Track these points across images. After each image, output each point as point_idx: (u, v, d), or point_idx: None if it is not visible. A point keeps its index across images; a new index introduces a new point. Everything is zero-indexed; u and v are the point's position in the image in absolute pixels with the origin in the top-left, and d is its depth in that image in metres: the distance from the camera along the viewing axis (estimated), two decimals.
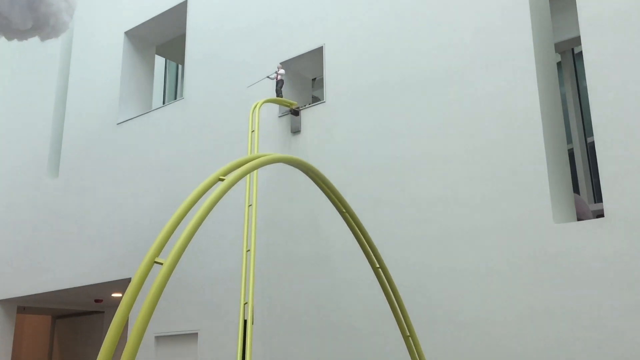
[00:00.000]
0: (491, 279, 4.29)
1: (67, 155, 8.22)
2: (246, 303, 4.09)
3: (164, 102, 8.71)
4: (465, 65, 4.69)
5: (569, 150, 4.79)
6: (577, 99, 5.44)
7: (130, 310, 1.73)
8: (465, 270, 4.42)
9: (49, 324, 10.39)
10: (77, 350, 9.73)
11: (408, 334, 3.65)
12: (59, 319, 10.28)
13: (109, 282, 7.05)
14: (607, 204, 3.89)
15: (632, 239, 3.74)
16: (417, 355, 3.61)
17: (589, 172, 5.37)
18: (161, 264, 1.85)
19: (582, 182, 5.15)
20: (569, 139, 5.12)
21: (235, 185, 5.96)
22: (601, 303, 3.81)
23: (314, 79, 6.78)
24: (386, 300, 3.84)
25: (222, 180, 2.23)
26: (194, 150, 6.56)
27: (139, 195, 7.03)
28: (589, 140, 5.42)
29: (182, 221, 2.18)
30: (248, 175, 5.30)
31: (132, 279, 1.82)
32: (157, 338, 6.38)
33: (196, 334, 6.06)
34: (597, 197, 5.23)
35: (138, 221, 6.87)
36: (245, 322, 3.99)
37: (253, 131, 5.34)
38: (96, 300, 8.71)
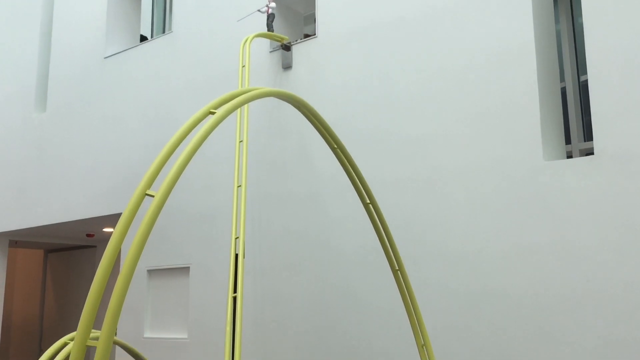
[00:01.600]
0: (479, 216, 4.35)
1: (55, 89, 8.11)
2: (237, 237, 4.14)
3: (152, 36, 8.52)
4: (460, 3, 4.60)
5: (561, 88, 4.77)
6: (572, 37, 5.37)
7: (122, 242, 1.74)
8: (454, 207, 4.47)
9: (42, 258, 10.50)
10: (70, 284, 9.87)
11: (397, 268, 3.72)
12: (51, 253, 10.38)
13: (100, 216, 7.10)
14: (597, 141, 3.91)
15: (621, 176, 3.78)
16: (405, 289, 3.69)
17: (580, 111, 5.36)
18: (152, 196, 1.85)
19: (572, 120, 5.14)
20: (562, 77, 5.08)
21: (226, 122, 5.93)
22: (588, 239, 3.88)
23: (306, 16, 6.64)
24: (376, 236, 3.89)
25: (213, 113, 2.21)
26: (183, 86, 6.49)
27: (128, 131, 6.99)
28: (582, 78, 5.39)
29: (173, 155, 2.17)
30: (239, 111, 5.26)
31: (123, 212, 1.82)
32: (150, 272, 6.48)
33: (188, 268, 6.15)
34: (588, 136, 5.24)
35: (128, 156, 6.86)
36: (236, 256, 4.05)
37: (243, 66, 5.27)
38: (88, 235, 8.79)
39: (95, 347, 1.72)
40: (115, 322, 1.62)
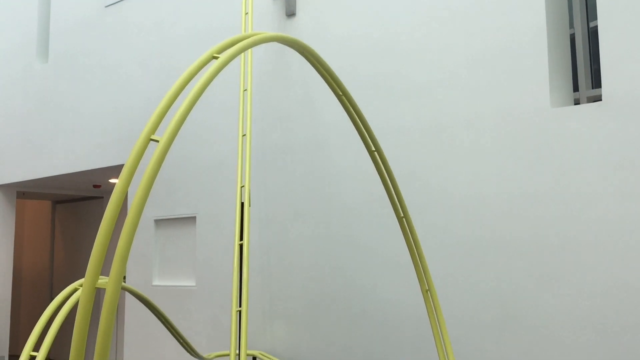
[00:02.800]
0: (485, 163, 4.34)
1: (56, 40, 8.03)
2: (243, 186, 4.16)
3: None
4: None
5: (570, 35, 4.69)
6: None
7: (129, 185, 1.75)
8: (459, 154, 4.46)
9: (49, 209, 10.60)
10: (79, 235, 9.99)
11: (402, 215, 3.74)
12: (58, 204, 10.46)
13: (105, 167, 7.13)
14: (606, 88, 3.87)
15: (629, 123, 3.75)
16: (410, 235, 3.71)
17: (588, 58, 5.28)
18: (157, 141, 1.85)
19: (580, 67, 5.07)
20: (571, 24, 4.99)
21: (230, 71, 5.87)
22: (595, 186, 3.88)
23: None
24: (381, 184, 3.89)
25: (216, 58, 2.18)
26: (185, 35, 6.41)
27: (131, 80, 6.95)
28: (592, 25, 5.28)
29: (178, 101, 2.15)
30: (242, 60, 5.21)
31: (128, 157, 1.82)
32: (157, 221, 6.54)
33: (194, 217, 6.21)
34: (595, 83, 5.18)
35: (132, 106, 6.84)
36: (242, 204, 4.09)
37: (247, 14, 5.19)
38: (94, 186, 8.84)
39: (104, 290, 1.75)
40: (124, 263, 1.64)
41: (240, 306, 3.67)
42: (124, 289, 3.76)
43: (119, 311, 8.81)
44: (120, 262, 1.64)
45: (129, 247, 1.65)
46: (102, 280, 2.00)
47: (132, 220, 1.67)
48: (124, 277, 6.62)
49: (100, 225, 1.67)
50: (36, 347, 2.86)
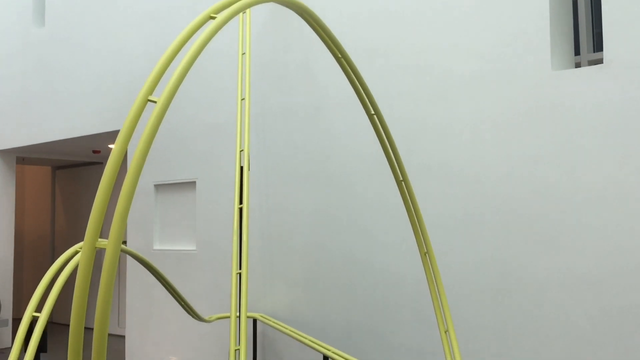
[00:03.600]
0: (485, 127, 4.33)
1: (52, 3, 7.93)
2: (242, 150, 4.16)
3: None
4: None
5: None
6: None
7: (127, 146, 1.75)
8: (459, 119, 4.45)
9: (50, 174, 10.61)
10: (79, 200, 10.02)
11: (401, 178, 3.74)
12: (58, 170, 10.47)
13: (104, 132, 7.12)
14: (607, 51, 3.83)
15: (630, 85, 3.72)
16: (409, 199, 3.72)
17: (591, 21, 5.22)
18: (155, 102, 1.84)
19: (582, 31, 5.01)
20: None
21: (229, 35, 5.80)
22: (595, 149, 3.87)
23: None
24: (381, 148, 3.89)
25: (214, 18, 2.16)
26: None
27: (128, 45, 6.89)
28: None
29: (175, 62, 2.13)
30: (241, 23, 5.15)
31: (126, 118, 1.82)
32: (157, 186, 6.56)
33: (194, 182, 6.22)
34: (597, 47, 5.13)
35: (130, 70, 6.80)
36: (241, 168, 4.09)
37: None
38: (94, 151, 8.83)
39: (105, 253, 1.76)
40: (123, 222, 1.65)
41: (240, 269, 3.70)
42: (125, 252, 3.79)
43: (120, 275, 8.89)
44: (120, 222, 1.65)
45: (129, 206, 1.65)
46: (102, 241, 2.01)
47: (131, 179, 1.68)
48: (125, 242, 6.67)
49: (100, 185, 1.68)
50: (38, 309, 2.90)
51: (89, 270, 1.73)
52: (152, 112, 1.86)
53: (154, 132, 1.80)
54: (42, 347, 2.61)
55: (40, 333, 2.60)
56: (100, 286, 1.70)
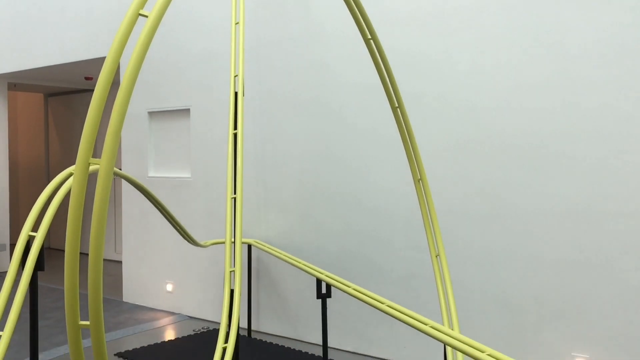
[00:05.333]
0: (483, 53, 4.28)
1: None
2: (236, 75, 4.10)
3: None
4: None
5: None
6: None
7: (119, 60, 1.72)
8: (457, 45, 4.40)
9: (42, 102, 10.49)
10: (72, 127, 9.95)
11: (397, 105, 3.72)
12: (51, 97, 10.35)
13: (96, 58, 6.99)
14: None
15: (629, 12, 3.66)
16: (404, 125, 3.71)
17: None
18: (146, 16, 1.79)
19: None
20: None
21: None
22: (594, 75, 3.84)
23: None
24: (377, 77, 3.84)
25: None
26: None
27: None
28: None
29: None
30: None
31: (116, 33, 1.77)
32: (151, 114, 6.51)
33: (188, 109, 6.17)
34: None
35: None
36: (236, 94, 4.04)
37: None
38: (86, 78, 8.71)
39: (97, 173, 1.75)
40: (117, 137, 1.64)
41: (235, 193, 3.71)
42: (121, 176, 3.80)
43: (116, 202, 8.95)
44: (113, 138, 1.64)
45: (122, 120, 1.64)
46: (96, 160, 2.00)
47: (124, 94, 1.65)
48: (119, 169, 6.67)
49: (92, 100, 1.65)
50: (35, 229, 2.92)
51: (83, 187, 1.73)
52: (143, 27, 1.82)
53: (146, 47, 1.76)
54: (39, 266, 2.65)
55: (37, 252, 2.63)
56: (94, 202, 1.71)
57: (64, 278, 1.65)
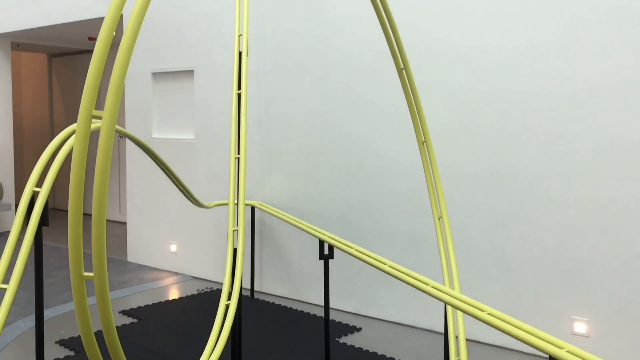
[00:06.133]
0: (490, 14, 4.23)
1: None
2: (240, 35, 4.05)
3: None
4: None
5: None
6: None
7: (121, 10, 1.70)
8: (462, 6, 4.33)
9: (46, 62, 10.44)
10: (76, 88, 9.91)
11: (402, 67, 3.68)
12: (54, 57, 10.29)
13: (100, 18, 6.92)
14: None
15: None
16: (409, 87, 3.68)
17: None
18: None
19: None
20: None
21: None
22: (601, 40, 3.80)
23: None
24: (383, 35, 3.79)
25: None
26: None
27: None
28: None
29: None
30: None
31: None
32: (154, 75, 6.47)
33: (192, 71, 6.13)
34: None
35: None
36: (240, 53, 4.00)
37: None
38: (89, 39, 8.64)
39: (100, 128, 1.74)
40: (120, 88, 1.63)
41: (238, 154, 3.71)
42: (125, 135, 3.79)
43: (120, 163, 8.97)
44: (116, 88, 1.63)
45: (125, 71, 1.63)
46: (99, 112, 1.98)
47: (128, 41, 1.64)
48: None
49: (94, 51, 1.64)
50: (39, 185, 2.93)
51: (86, 140, 1.72)
52: None
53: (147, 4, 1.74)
54: (43, 221, 2.67)
55: (42, 207, 2.65)
56: (97, 156, 1.71)
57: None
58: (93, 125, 2.71)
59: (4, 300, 2.43)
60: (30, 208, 2.70)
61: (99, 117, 1.75)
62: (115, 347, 1.78)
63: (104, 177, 1.59)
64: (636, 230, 3.76)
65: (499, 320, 2.28)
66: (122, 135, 8.70)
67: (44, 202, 2.64)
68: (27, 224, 2.70)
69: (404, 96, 3.72)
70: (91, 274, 1.72)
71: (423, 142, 3.77)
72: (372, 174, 4.90)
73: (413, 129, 3.78)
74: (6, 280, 2.52)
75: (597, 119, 3.86)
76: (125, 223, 8.14)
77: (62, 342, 4.30)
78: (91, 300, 1.83)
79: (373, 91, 4.84)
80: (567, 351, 1.95)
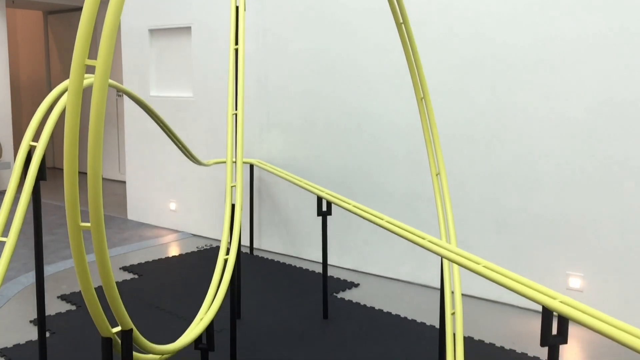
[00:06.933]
0: None
1: None
2: None
3: None
4: None
5: None
6: None
7: None
8: None
9: (41, 19, 10.30)
10: (72, 45, 9.80)
11: (401, 21, 3.63)
12: (50, 15, 10.16)
13: None
14: None
15: None
16: (408, 42, 3.64)
17: None
18: None
19: None
20: None
21: None
22: None
23: None
24: None
25: None
26: None
27: None
28: None
29: None
30: None
31: None
32: (151, 31, 6.40)
33: (189, 27, 6.06)
34: None
35: None
36: (237, 8, 3.94)
37: None
38: None
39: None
40: (112, 37, 1.61)
41: (236, 110, 3.69)
42: (123, 91, 3.77)
43: (119, 122, 8.94)
44: (109, 36, 1.61)
45: (118, 18, 1.60)
46: (92, 62, 1.95)
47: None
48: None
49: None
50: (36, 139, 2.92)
51: (80, 90, 1.71)
52: None
53: None
54: (41, 175, 2.67)
55: (39, 161, 2.64)
56: (91, 107, 1.69)
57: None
58: (87, 80, 2.70)
59: (3, 252, 2.45)
60: (28, 163, 2.70)
61: (93, 67, 1.73)
62: (114, 296, 1.80)
63: (99, 123, 1.59)
64: (632, 187, 3.77)
65: (493, 273, 2.30)
66: (121, 94, 8.66)
67: (41, 156, 2.64)
68: (25, 179, 2.70)
69: (403, 55, 3.68)
70: (88, 224, 1.73)
71: (422, 98, 3.75)
72: (369, 134, 4.89)
73: (411, 89, 3.75)
74: (5, 234, 2.53)
75: (596, 76, 3.83)
76: (124, 182, 8.16)
77: (63, 297, 4.36)
78: (91, 258, 1.84)
79: (372, 48, 4.79)
80: (560, 301, 1.98)
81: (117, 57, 7.73)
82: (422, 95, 3.73)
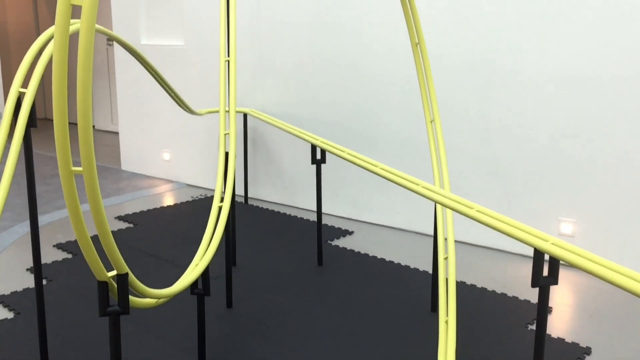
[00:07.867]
0: None
1: None
2: None
3: None
4: None
5: None
6: None
7: None
8: None
9: None
10: None
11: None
12: None
13: None
14: None
15: None
16: (412, 18, 3.56)
17: None
18: None
19: None
20: None
21: None
22: None
23: None
24: None
25: None
26: None
27: None
28: None
29: None
30: None
31: None
32: None
33: None
34: None
35: None
36: None
37: None
38: None
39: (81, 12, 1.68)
40: None
41: (228, 56, 3.64)
42: (114, 38, 3.69)
43: (110, 72, 8.82)
44: None
45: None
46: (78, 1, 1.90)
47: None
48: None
49: None
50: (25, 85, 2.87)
51: (67, 25, 1.67)
52: None
53: None
54: (31, 122, 2.64)
55: (29, 107, 2.60)
56: (79, 47, 1.66)
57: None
58: (74, 26, 2.63)
59: None
60: (18, 111, 2.66)
61: (79, 8, 1.69)
62: (108, 240, 1.80)
63: (88, 62, 1.56)
64: (624, 132, 3.77)
65: (486, 216, 2.31)
66: (111, 42, 8.49)
67: (31, 102, 2.60)
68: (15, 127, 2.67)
69: (398, 1, 3.61)
70: (80, 168, 1.72)
71: (417, 44, 3.70)
72: (365, 77, 4.84)
73: (407, 34, 3.70)
74: None
75: (591, 26, 3.78)
76: (117, 133, 8.11)
77: (59, 246, 4.38)
78: (85, 208, 1.83)
79: (376, 19, 4.70)
80: (552, 243, 2.00)
81: (106, 4, 7.57)
82: (417, 41, 3.68)
